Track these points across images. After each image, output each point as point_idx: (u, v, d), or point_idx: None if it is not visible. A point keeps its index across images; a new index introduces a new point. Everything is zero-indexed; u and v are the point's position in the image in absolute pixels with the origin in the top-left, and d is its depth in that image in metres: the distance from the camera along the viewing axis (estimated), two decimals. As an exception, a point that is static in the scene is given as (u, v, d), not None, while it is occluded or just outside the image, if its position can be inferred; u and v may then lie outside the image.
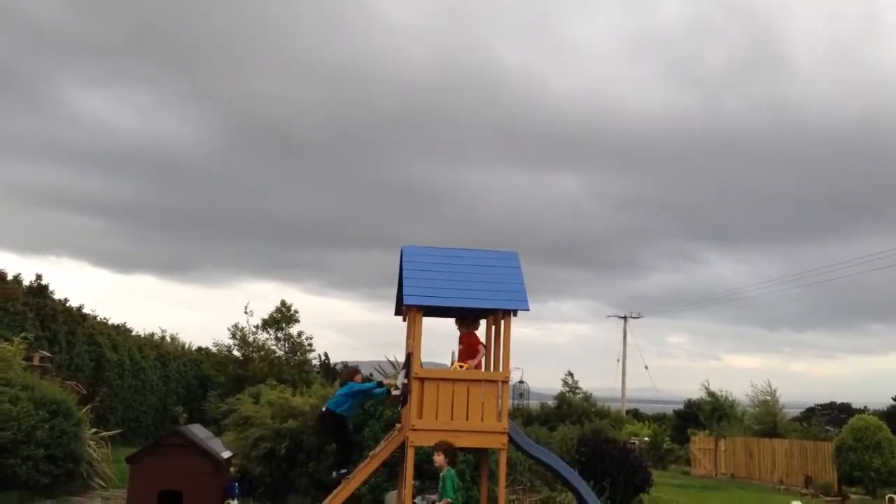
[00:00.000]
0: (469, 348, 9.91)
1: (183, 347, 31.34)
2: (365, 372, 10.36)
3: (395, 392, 9.71)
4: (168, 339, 30.76)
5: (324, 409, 10.09)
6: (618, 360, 53.53)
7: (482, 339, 10.19)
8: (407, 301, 9.17)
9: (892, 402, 53.03)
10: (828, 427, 38.45)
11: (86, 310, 23.26)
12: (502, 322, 9.48)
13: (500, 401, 9.32)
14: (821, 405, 55.56)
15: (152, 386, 26.12)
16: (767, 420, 33.22)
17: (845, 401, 55.50)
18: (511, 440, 9.37)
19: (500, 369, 9.48)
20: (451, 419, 8.98)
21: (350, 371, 10.23)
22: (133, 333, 26.88)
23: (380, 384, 10.10)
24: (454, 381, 9.16)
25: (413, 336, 9.33)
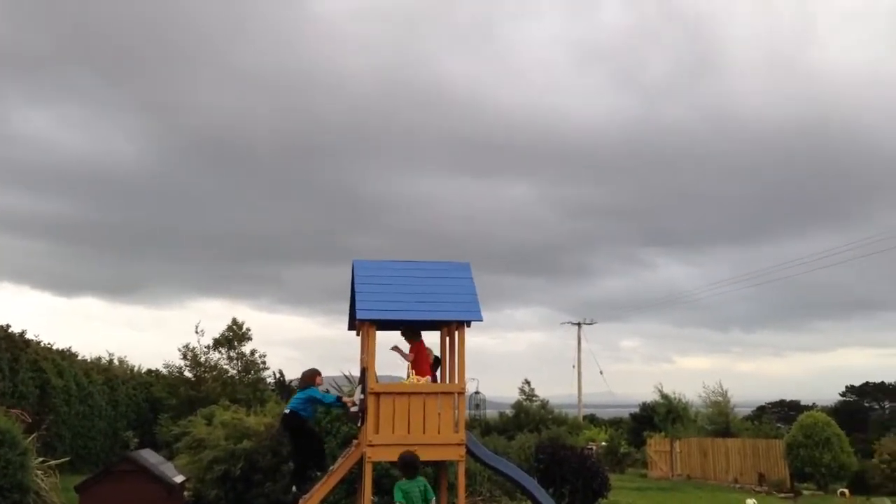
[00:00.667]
0: (420, 358, 9.88)
1: (132, 370, 30.62)
2: (321, 388, 10.23)
3: (352, 409, 9.63)
4: (116, 362, 30.04)
5: (287, 410, 9.93)
6: (573, 367, 53.91)
7: (435, 349, 10.20)
8: (360, 316, 9.13)
9: (840, 398, 54.47)
10: (778, 425, 39.32)
11: (29, 335, 22.60)
12: (456, 333, 9.49)
13: (456, 412, 9.31)
14: (771, 403, 56.72)
15: (101, 411, 25.46)
16: (720, 420, 33.79)
17: (794, 398, 56.78)
18: (469, 451, 9.36)
19: (456, 380, 9.49)
20: (409, 433, 8.94)
21: (311, 374, 10.04)
22: (79, 358, 26.19)
23: (339, 398, 9.98)
24: (410, 394, 9.13)
25: (367, 351, 9.28)
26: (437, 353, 10.25)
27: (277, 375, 32.03)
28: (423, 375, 9.62)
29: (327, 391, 10.64)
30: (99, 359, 28.62)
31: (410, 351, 9.94)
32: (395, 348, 9.92)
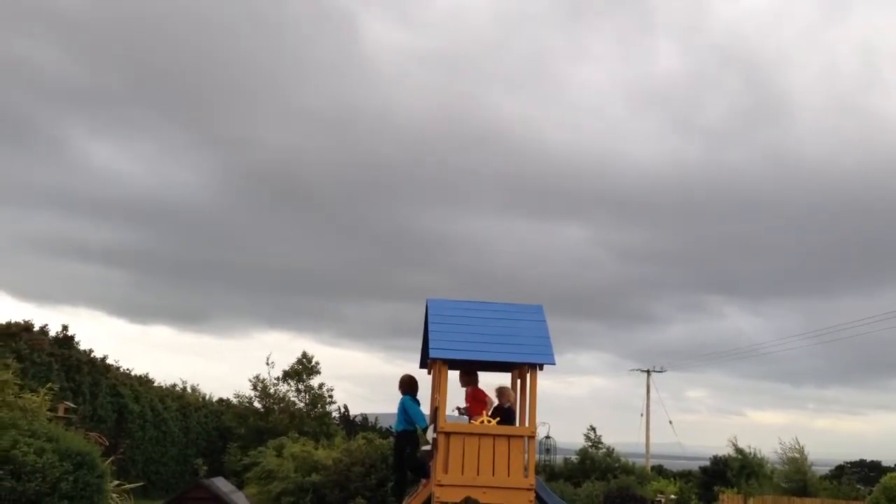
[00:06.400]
0: (478, 401, 9.80)
1: (204, 399, 31.31)
2: (384, 423, 10.25)
3: (425, 447, 9.61)
4: (189, 390, 30.77)
5: (400, 429, 10.05)
6: (641, 415, 52.60)
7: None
8: (433, 354, 9.15)
9: (924, 460, 51.60)
10: (858, 486, 37.48)
11: (109, 361, 23.37)
12: (528, 376, 9.42)
13: (526, 456, 9.21)
14: (850, 463, 54.20)
15: (173, 437, 26.05)
16: (797, 478, 32.43)
17: (873, 458, 54.17)
18: (538, 497, 9.23)
19: (527, 424, 9.40)
20: (477, 474, 8.86)
21: (408, 381, 10.15)
22: (155, 384, 26.93)
23: (424, 428, 9.95)
24: (480, 435, 9.07)
25: (439, 389, 9.28)
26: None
27: (342, 410, 32.28)
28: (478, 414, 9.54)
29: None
30: (174, 386, 29.37)
31: (466, 395, 9.87)
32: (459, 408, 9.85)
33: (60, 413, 16.07)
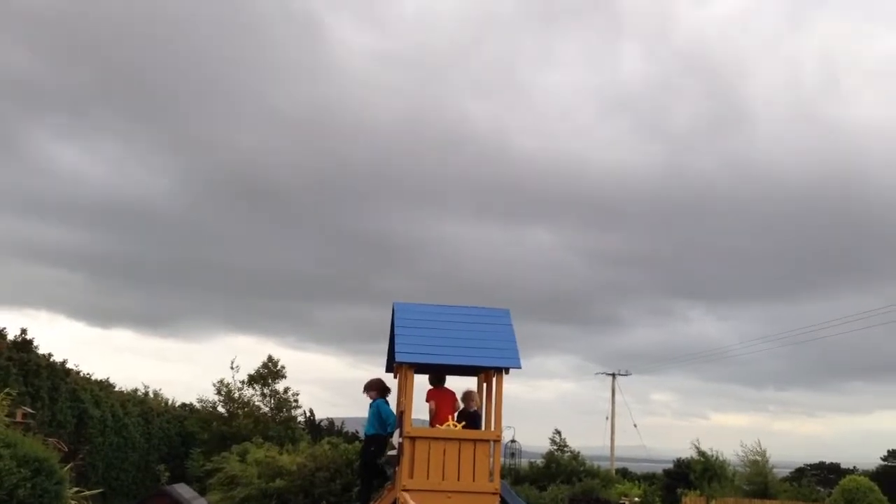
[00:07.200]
0: (442, 404, 9.79)
1: (166, 404, 30.89)
2: (350, 428, 10.26)
3: (390, 452, 9.60)
4: (151, 394, 30.34)
5: (370, 433, 10.02)
6: (606, 418, 53.08)
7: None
8: (399, 358, 9.16)
9: (882, 462, 52.68)
10: (818, 488, 38.12)
11: (69, 365, 22.93)
12: (494, 380, 9.46)
13: (491, 460, 9.24)
14: (810, 465, 55.12)
15: (134, 443, 25.64)
16: (758, 480, 32.89)
17: (832, 460, 55.12)
18: (503, 501, 9.26)
19: (492, 427, 9.42)
20: (443, 479, 8.88)
21: (378, 384, 10.14)
22: (116, 389, 26.50)
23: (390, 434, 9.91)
24: (445, 439, 9.08)
25: (405, 393, 9.28)
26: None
27: (308, 415, 32.07)
28: (443, 423, 9.54)
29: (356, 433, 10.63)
30: (135, 391, 28.93)
31: (430, 396, 9.85)
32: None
33: (18, 418, 15.75)
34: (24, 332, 20.55)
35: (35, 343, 20.68)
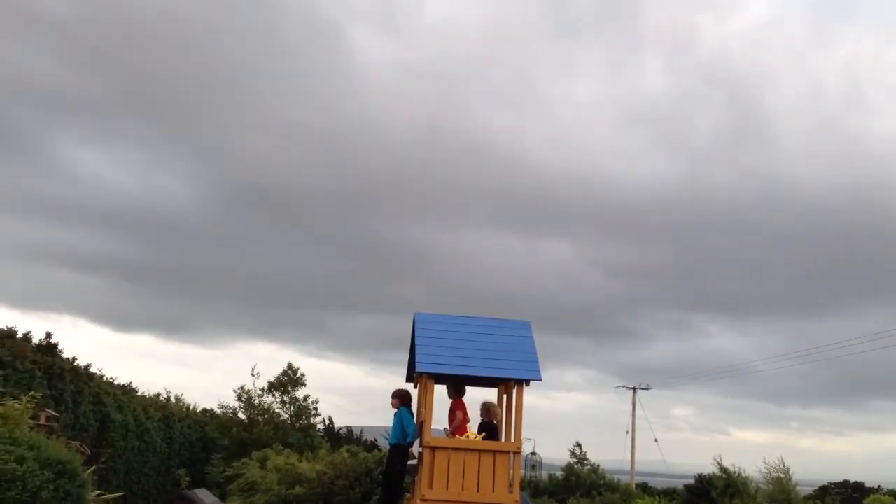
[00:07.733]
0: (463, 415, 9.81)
1: (188, 409, 31.10)
2: (369, 436, 10.29)
3: (411, 461, 9.59)
4: (173, 400, 30.56)
5: (393, 442, 10.05)
6: (627, 432, 52.64)
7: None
8: (419, 368, 9.15)
9: (907, 482, 51.78)
10: (842, 506, 37.56)
11: (92, 369, 23.15)
12: (514, 391, 9.43)
13: (511, 472, 9.20)
14: (834, 483, 54.32)
15: (156, 448, 25.81)
16: (781, 498, 32.44)
17: (857, 479, 54.30)
18: (522, 513, 9.21)
19: (513, 439, 9.39)
20: (462, 490, 8.85)
21: (404, 394, 10.17)
22: (138, 394, 26.72)
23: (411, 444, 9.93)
24: (465, 450, 9.06)
25: (425, 404, 9.28)
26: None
27: (327, 422, 32.14)
28: (461, 434, 9.54)
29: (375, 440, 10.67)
30: (157, 395, 29.15)
31: (457, 406, 9.86)
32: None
33: (42, 421, 15.92)
34: (48, 335, 20.78)
35: (60, 347, 20.91)
